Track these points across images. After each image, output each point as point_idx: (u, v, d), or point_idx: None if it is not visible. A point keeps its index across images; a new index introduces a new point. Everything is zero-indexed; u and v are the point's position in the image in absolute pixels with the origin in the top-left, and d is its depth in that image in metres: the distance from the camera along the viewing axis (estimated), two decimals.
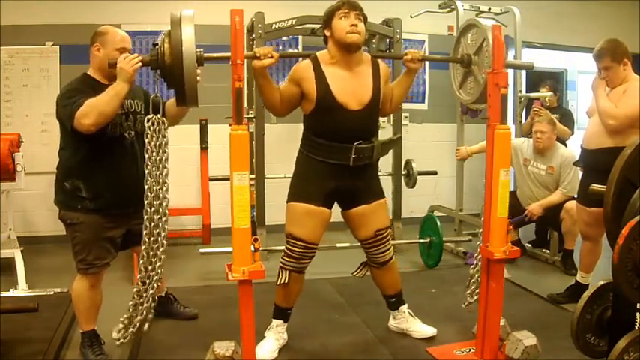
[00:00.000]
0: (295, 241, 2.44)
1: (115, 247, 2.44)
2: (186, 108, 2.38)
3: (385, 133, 4.88)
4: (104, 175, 2.34)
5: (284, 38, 5.03)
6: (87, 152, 2.31)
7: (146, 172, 2.07)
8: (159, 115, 2.06)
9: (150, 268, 2.13)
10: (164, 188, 2.09)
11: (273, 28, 4.04)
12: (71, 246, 2.39)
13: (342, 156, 2.41)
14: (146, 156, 2.06)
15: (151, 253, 2.12)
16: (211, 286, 3.44)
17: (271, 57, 2.14)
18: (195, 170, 4.82)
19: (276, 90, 2.41)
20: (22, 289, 3.37)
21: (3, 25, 4.45)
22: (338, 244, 3.90)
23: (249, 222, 1.93)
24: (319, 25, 4.39)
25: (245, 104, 3.51)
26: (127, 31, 5.03)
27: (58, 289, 3.31)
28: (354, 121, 2.41)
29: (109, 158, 2.34)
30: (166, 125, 2.09)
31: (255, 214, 4.12)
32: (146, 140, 2.05)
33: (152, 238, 2.11)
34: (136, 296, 2.16)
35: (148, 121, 2.05)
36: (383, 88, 2.51)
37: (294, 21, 4.08)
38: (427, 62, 5.58)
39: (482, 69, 2.41)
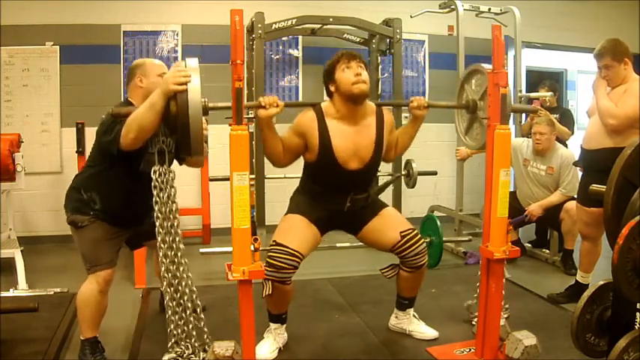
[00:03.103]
0: (277, 247, 2.35)
1: (119, 248, 2.48)
2: (205, 149, 2.42)
3: None
4: (121, 200, 2.37)
5: (284, 38, 5.04)
6: (113, 177, 2.34)
7: (157, 223, 2.11)
8: (165, 166, 2.09)
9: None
10: (177, 239, 2.12)
11: (273, 28, 4.03)
12: (80, 248, 2.40)
13: (336, 204, 2.48)
14: (155, 207, 2.09)
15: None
16: (211, 286, 3.44)
17: (277, 106, 2.14)
18: (196, 170, 4.82)
19: (280, 141, 2.38)
20: (22, 289, 3.37)
21: (3, 25, 4.45)
22: (338, 244, 3.90)
23: (249, 222, 1.92)
24: (319, 25, 4.44)
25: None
26: (126, 31, 5.08)
27: (58, 289, 3.32)
28: (352, 178, 2.45)
29: (131, 187, 2.36)
30: (173, 175, 2.12)
31: (255, 214, 4.12)
32: (154, 192, 2.08)
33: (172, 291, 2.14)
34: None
35: (155, 172, 2.07)
36: (387, 137, 2.51)
37: (294, 21, 4.08)
38: (427, 61, 5.59)
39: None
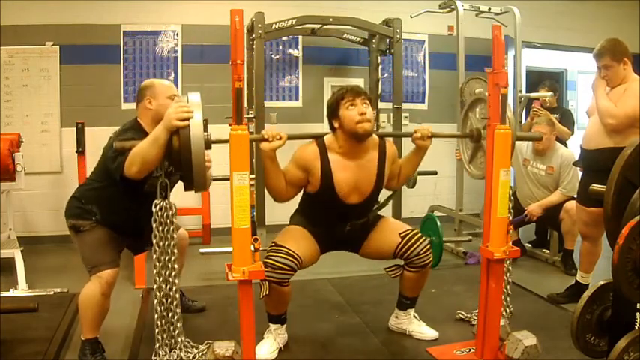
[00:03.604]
0: (275, 247, 2.37)
1: (120, 250, 2.50)
2: (209, 177, 2.44)
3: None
4: (122, 216, 2.43)
5: (284, 38, 5.04)
6: (116, 194, 2.37)
7: (154, 257, 2.12)
8: (167, 201, 2.09)
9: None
10: (173, 274, 2.13)
11: (273, 28, 4.04)
12: (81, 252, 2.41)
13: (336, 229, 2.51)
14: (154, 241, 2.10)
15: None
16: (211, 286, 3.44)
17: (280, 138, 2.14)
18: None
19: (282, 174, 2.37)
20: (22, 289, 3.37)
21: (3, 25, 4.44)
22: None
23: (249, 222, 1.92)
24: (319, 25, 4.44)
25: (245, 104, 3.51)
26: (126, 31, 5.07)
27: (58, 289, 3.32)
28: (352, 210, 2.48)
29: (133, 206, 2.39)
30: (174, 211, 2.13)
31: (255, 214, 4.12)
32: (153, 225, 2.09)
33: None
34: None
35: (156, 206, 2.08)
36: (389, 168, 2.52)
37: (294, 21, 4.08)
38: (427, 61, 5.60)
39: None
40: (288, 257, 2.33)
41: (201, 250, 3.85)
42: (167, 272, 2.13)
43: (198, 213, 4.84)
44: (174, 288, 2.13)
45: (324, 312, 3.04)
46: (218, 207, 4.77)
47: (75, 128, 4.24)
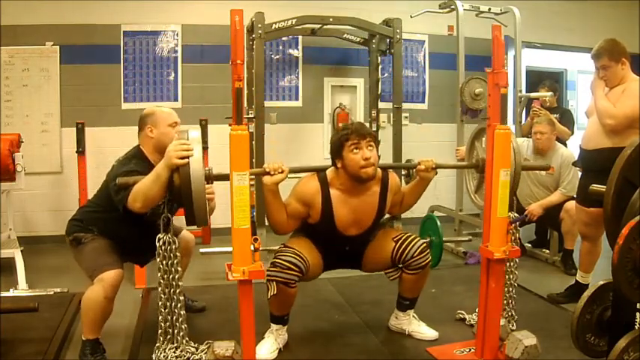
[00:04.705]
0: (284, 248, 2.41)
1: (124, 260, 2.51)
2: (212, 206, 2.45)
3: (386, 132, 4.89)
4: (122, 236, 2.45)
5: (284, 38, 5.05)
6: (115, 218, 2.37)
7: (159, 289, 2.15)
8: (169, 235, 2.11)
9: None
10: (179, 305, 2.16)
11: (273, 28, 4.04)
12: (83, 262, 2.43)
13: (336, 249, 2.54)
14: (158, 274, 2.13)
15: None
16: (211, 286, 3.44)
17: (282, 172, 2.15)
18: None
19: (284, 208, 2.39)
20: (22, 289, 3.37)
21: (3, 25, 4.45)
22: None
23: (249, 222, 1.92)
24: (319, 25, 4.44)
25: (245, 104, 3.51)
26: (126, 31, 5.07)
27: (58, 289, 3.32)
28: (351, 241, 2.51)
29: (134, 230, 2.41)
30: (177, 245, 2.15)
31: (255, 214, 4.12)
32: (157, 259, 2.12)
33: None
34: None
35: (159, 240, 2.11)
36: (390, 199, 2.53)
37: (294, 21, 4.08)
38: (427, 61, 5.60)
39: None
40: (296, 257, 2.35)
41: (201, 250, 3.85)
42: (172, 304, 2.16)
43: None
44: (182, 328, 2.15)
45: (324, 312, 3.04)
46: (218, 207, 4.73)
47: (75, 128, 4.24)
